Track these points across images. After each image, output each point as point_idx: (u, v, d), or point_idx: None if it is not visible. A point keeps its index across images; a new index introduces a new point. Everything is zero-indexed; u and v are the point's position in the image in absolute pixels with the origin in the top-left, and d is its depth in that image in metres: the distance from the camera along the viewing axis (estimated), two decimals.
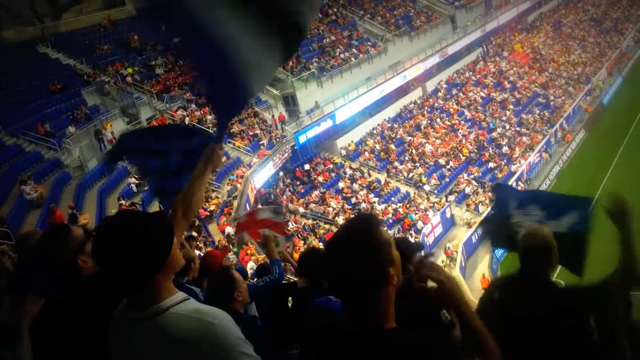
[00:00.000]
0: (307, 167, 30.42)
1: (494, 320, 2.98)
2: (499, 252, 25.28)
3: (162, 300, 1.79)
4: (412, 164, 32.19)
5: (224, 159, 24.57)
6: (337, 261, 1.61)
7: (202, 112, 26.89)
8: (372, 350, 1.57)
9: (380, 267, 1.58)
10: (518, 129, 37.62)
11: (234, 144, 26.73)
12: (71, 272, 2.37)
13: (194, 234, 12.22)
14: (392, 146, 33.32)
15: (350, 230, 1.67)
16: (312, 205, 27.25)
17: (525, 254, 2.85)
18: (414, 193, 29.93)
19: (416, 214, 27.89)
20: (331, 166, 31.08)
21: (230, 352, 1.74)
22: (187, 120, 25.41)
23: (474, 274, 24.34)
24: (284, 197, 27.61)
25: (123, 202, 18.04)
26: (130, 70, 27.51)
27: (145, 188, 20.21)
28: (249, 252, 17.76)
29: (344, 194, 28.87)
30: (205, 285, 4.36)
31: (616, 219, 2.73)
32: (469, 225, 27.70)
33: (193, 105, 26.88)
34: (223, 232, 19.23)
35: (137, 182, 20.11)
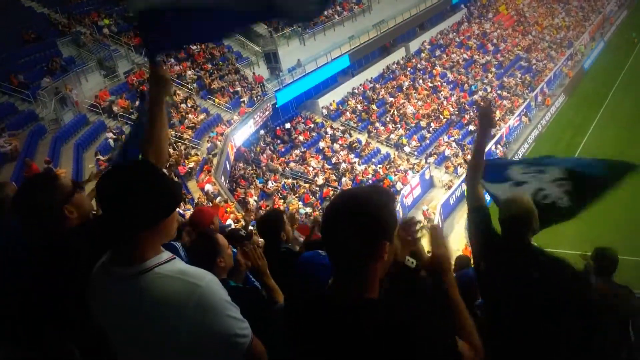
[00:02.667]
0: (287, 125, 30.19)
1: (485, 289, 3.02)
2: None
3: (147, 258, 1.74)
4: (393, 125, 32.15)
5: (203, 116, 24.25)
6: (346, 210, 1.58)
7: (181, 66, 26.31)
8: (352, 320, 1.56)
9: (380, 236, 1.56)
10: (499, 92, 37.68)
11: (214, 101, 26.30)
12: (56, 220, 2.30)
13: None
14: (374, 107, 33.17)
15: (369, 191, 1.63)
16: (292, 164, 27.19)
17: (508, 222, 2.88)
18: (394, 154, 30.01)
19: (396, 175, 28.04)
20: (312, 125, 30.89)
21: (216, 314, 1.72)
22: None
23: (451, 235, 24.74)
24: (264, 155, 27.47)
25: (101, 157, 17.76)
26: (107, 21, 26.54)
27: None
28: (228, 209, 17.72)
29: (324, 154, 28.83)
30: (186, 240, 4.30)
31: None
32: (447, 187, 27.98)
33: (172, 60, 26.23)
34: (202, 189, 19.13)
35: (114, 137, 19.77)
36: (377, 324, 1.53)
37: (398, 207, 24.09)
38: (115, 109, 21.76)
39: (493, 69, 40.16)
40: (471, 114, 34.35)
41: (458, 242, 23.35)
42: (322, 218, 1.66)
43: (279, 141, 29.36)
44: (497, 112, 34.79)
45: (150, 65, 2.69)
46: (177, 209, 1.86)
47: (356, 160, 28.68)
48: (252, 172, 25.76)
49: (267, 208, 22.24)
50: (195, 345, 1.71)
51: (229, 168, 23.53)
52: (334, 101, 32.72)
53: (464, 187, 24.39)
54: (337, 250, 1.60)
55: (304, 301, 1.80)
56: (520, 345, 2.86)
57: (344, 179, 26.78)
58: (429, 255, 1.98)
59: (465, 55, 40.92)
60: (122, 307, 1.74)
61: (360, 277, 1.59)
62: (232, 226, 13.13)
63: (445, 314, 1.88)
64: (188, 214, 14.14)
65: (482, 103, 34.00)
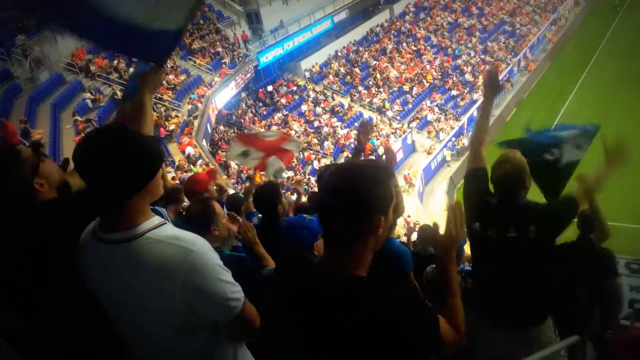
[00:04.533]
0: (270, 88, 29.83)
1: (480, 248, 3.06)
2: (456, 178, 26.02)
3: (138, 224, 1.73)
4: (376, 89, 31.96)
5: (183, 77, 23.81)
6: (345, 183, 1.55)
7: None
8: (335, 294, 1.56)
9: (376, 210, 1.54)
10: (483, 56, 37.54)
11: (194, 62, 25.77)
12: (26, 198, 2.22)
13: None
14: (357, 70, 32.86)
15: (369, 165, 1.61)
16: (274, 128, 26.99)
17: (501, 180, 2.90)
18: (377, 118, 29.94)
19: (378, 139, 28.05)
20: (294, 88, 30.57)
21: (209, 278, 1.72)
22: None
23: (431, 200, 25.02)
24: (246, 118, 27.20)
25: (78, 117, 17.40)
26: None
27: (101, 104, 19.53)
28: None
29: (306, 117, 28.63)
30: (176, 210, 4.24)
31: (611, 156, 2.85)
32: (429, 152, 28.12)
33: None
34: (183, 152, 18.93)
35: (92, 97, 19.34)
36: (360, 303, 1.53)
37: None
38: (92, 68, 21.20)
39: (477, 33, 39.89)
40: (454, 79, 34.25)
41: (438, 207, 23.67)
42: (317, 194, 1.64)
43: (260, 104, 29.05)
44: (480, 77, 34.76)
45: (156, 68, 2.67)
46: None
47: (338, 124, 28.56)
48: (233, 135, 25.54)
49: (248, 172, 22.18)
50: (188, 309, 1.72)
51: (210, 131, 23.26)
52: (316, 64, 32.32)
53: (445, 152, 24.63)
54: (332, 225, 1.58)
55: (295, 271, 1.80)
56: (511, 302, 2.93)
57: (326, 143, 26.72)
58: (443, 234, 1.94)
59: (449, 19, 40.54)
60: (114, 274, 1.73)
61: (353, 251, 1.58)
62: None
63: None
64: (170, 176, 14.03)
65: (489, 66, 33.96)
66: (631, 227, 15.88)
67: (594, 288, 4.09)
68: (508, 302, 2.93)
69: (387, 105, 30.77)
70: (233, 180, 20.23)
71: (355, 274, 1.59)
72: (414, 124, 30.07)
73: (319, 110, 29.16)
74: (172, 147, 19.56)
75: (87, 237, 1.82)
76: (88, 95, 19.37)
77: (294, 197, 5.37)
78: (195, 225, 2.76)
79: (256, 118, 27.46)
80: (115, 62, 22.20)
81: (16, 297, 2.06)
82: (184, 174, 16.30)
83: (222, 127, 25.82)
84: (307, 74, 31.64)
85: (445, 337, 1.65)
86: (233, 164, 22.18)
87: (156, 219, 1.78)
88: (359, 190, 1.52)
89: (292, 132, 26.81)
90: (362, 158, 2.79)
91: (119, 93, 20.60)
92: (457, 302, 1.84)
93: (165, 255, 1.67)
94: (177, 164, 17.57)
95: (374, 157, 25.74)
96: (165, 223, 1.79)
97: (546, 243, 2.84)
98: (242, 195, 5.66)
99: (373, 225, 1.54)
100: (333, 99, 30.43)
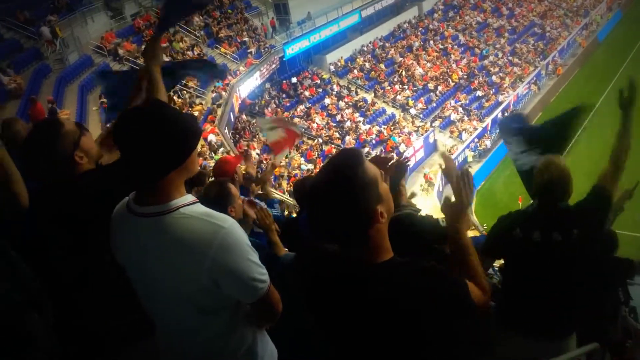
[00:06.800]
0: (294, 80, 29.85)
1: (523, 257, 3.04)
2: (477, 180, 25.76)
3: (172, 199, 1.76)
4: (401, 85, 31.77)
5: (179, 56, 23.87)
6: (320, 207, 1.56)
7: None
8: (365, 286, 1.57)
9: (366, 208, 1.52)
10: (510, 58, 37.05)
11: (220, 50, 25.89)
12: (66, 168, 2.28)
13: None
14: (382, 66, 32.69)
15: (331, 173, 1.56)
16: (296, 120, 27.01)
17: (542, 186, 2.87)
18: (400, 115, 29.78)
19: (400, 136, 27.91)
20: (319, 81, 30.53)
21: (238, 256, 1.74)
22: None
23: (451, 199, 24.78)
24: (269, 109, 27.26)
25: (104, 100, 17.60)
26: None
27: None
28: None
29: (329, 111, 28.60)
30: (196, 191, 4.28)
31: (624, 104, 2.92)
32: (451, 152, 27.88)
33: None
34: (206, 139, 19.06)
35: None
36: (389, 285, 1.54)
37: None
38: (120, 51, 21.43)
39: (506, 34, 39.34)
40: (480, 79, 33.87)
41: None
42: (308, 205, 1.65)
43: (284, 95, 29.09)
44: (507, 79, 34.31)
45: (155, 37, 2.82)
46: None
47: (361, 119, 28.48)
48: (256, 124, 25.63)
49: (269, 161, 22.26)
50: (214, 287, 1.74)
51: (232, 119, 23.38)
52: (342, 58, 32.21)
53: (467, 153, 24.41)
54: (331, 233, 1.60)
55: (317, 261, 1.81)
56: (543, 314, 2.92)
57: (347, 138, 26.67)
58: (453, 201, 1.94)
59: (478, 18, 40.05)
60: (145, 245, 1.76)
61: (363, 244, 1.59)
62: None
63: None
64: None
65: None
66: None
67: (619, 295, 4.05)
68: (540, 314, 2.91)
69: (411, 102, 30.56)
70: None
71: (378, 259, 1.60)
72: (436, 123, 29.84)
73: (342, 104, 29.09)
74: None
75: (121, 210, 1.86)
76: None
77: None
78: (212, 206, 2.80)
79: (279, 109, 27.51)
80: (143, 46, 22.39)
81: (52, 264, 2.12)
82: (205, 161, 16.42)
83: (244, 117, 25.93)
84: (332, 68, 31.56)
85: (476, 300, 1.66)
86: (254, 153, 22.28)
87: (189, 197, 1.81)
88: (345, 195, 1.50)
89: (314, 125, 26.82)
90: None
91: None
92: (475, 260, 1.84)
93: (197, 230, 1.71)
94: (198, 150, 17.68)
95: (394, 155, 25.61)
96: (198, 202, 1.82)
97: (589, 245, 2.83)
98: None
99: (373, 217, 1.54)
100: (357, 93, 30.32)
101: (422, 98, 31.38)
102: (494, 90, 33.33)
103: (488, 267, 4.80)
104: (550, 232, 2.83)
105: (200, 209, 1.79)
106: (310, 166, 23.74)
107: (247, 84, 24.98)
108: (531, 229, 2.89)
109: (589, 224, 2.82)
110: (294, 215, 3.83)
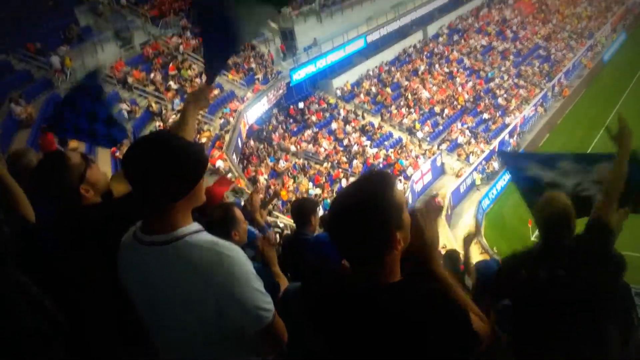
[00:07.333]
0: (301, 105, 30.08)
1: (531, 298, 3.00)
2: (485, 202, 25.65)
3: (179, 227, 1.78)
4: (407, 109, 31.91)
5: (217, 91, 24.18)
6: (343, 220, 1.57)
7: (197, 40, 26.14)
8: (376, 306, 1.57)
9: (386, 231, 1.54)
10: (516, 80, 37.20)
11: (228, 77, 26.19)
12: (73, 202, 2.31)
13: None
14: (388, 90, 32.90)
15: (361, 188, 1.60)
16: (303, 144, 27.15)
17: (545, 224, 2.86)
18: (407, 139, 29.85)
19: (407, 160, 27.93)
20: (325, 106, 30.75)
21: (243, 285, 1.74)
22: (181, 48, 24.75)
23: (459, 222, 24.73)
24: (276, 134, 27.42)
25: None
26: None
27: (136, 116, 19.97)
28: (239, 186, 17.78)
29: (336, 135, 28.72)
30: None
31: (617, 137, 2.90)
32: (458, 175, 27.85)
33: (188, 33, 26.10)
34: (214, 165, 19.17)
35: (128, 108, 19.80)
36: (405, 304, 1.55)
37: (407, 193, 24.04)
38: (130, 80, 21.75)
39: (511, 57, 39.58)
40: (486, 101, 33.97)
41: (465, 230, 23.32)
42: (327, 221, 1.66)
43: (291, 120, 29.29)
44: (513, 101, 34.41)
45: (207, 83, 2.88)
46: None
47: (368, 143, 28.57)
48: (263, 150, 25.77)
49: (276, 187, 22.31)
50: (219, 315, 1.75)
51: (240, 145, 23.53)
52: (348, 82, 32.48)
53: (475, 176, 24.38)
54: (349, 250, 1.61)
55: (325, 283, 1.81)
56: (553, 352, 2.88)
57: (354, 162, 26.72)
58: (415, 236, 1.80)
59: (483, 42, 40.36)
60: (151, 275, 1.77)
61: (378, 267, 1.59)
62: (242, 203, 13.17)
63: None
64: None
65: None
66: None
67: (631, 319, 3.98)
68: (553, 353, 2.88)
69: (418, 126, 30.66)
70: (262, 196, 20.33)
71: (389, 281, 1.60)
72: (444, 146, 29.87)
73: (349, 128, 29.23)
74: None
75: (128, 239, 1.87)
76: (124, 106, 19.82)
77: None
78: (216, 230, 2.81)
79: (286, 134, 27.68)
80: (152, 75, 22.73)
81: (55, 293, 2.13)
82: None
83: (252, 142, 26.09)
84: (339, 92, 31.80)
85: (479, 331, 1.66)
86: (262, 179, 22.36)
87: (196, 225, 1.83)
88: (367, 214, 1.52)
89: (322, 150, 26.92)
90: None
91: (154, 105, 21.05)
92: (461, 293, 1.81)
93: (203, 259, 1.71)
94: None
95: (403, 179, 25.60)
96: (204, 230, 1.83)
97: (596, 278, 2.79)
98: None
99: (391, 242, 1.56)
100: (363, 117, 30.47)
101: (428, 121, 31.48)
102: (500, 112, 33.39)
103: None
104: (556, 270, 2.80)
105: (206, 237, 1.80)
106: (318, 191, 23.76)
107: (254, 110, 25.19)
108: (536, 269, 2.87)
109: (593, 258, 2.78)
110: (289, 232, 3.83)
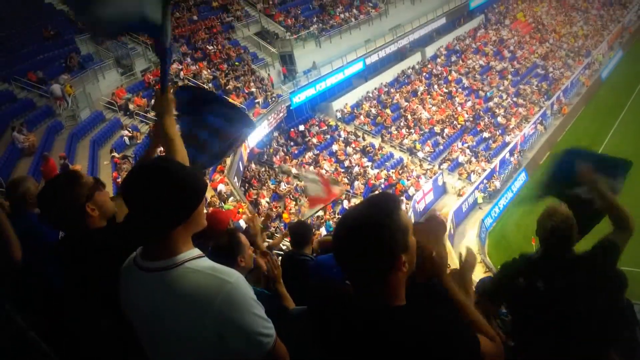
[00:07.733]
0: (301, 128, 30.23)
1: (528, 306, 2.99)
2: (488, 221, 25.57)
3: (178, 253, 1.77)
4: (407, 129, 32.04)
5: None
6: (348, 241, 1.57)
7: (197, 66, 26.44)
8: (378, 329, 1.57)
9: (392, 253, 1.54)
10: (515, 99, 37.42)
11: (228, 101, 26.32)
12: (78, 218, 2.32)
13: None
14: (388, 111, 33.09)
15: (367, 210, 1.60)
16: (305, 166, 27.20)
17: (547, 235, 2.86)
18: (408, 159, 29.91)
19: (408, 180, 27.95)
20: (326, 128, 30.90)
21: (243, 311, 1.73)
22: (182, 74, 25.00)
23: (462, 241, 24.62)
24: (277, 157, 27.50)
25: (115, 154, 17.89)
26: None
27: (138, 142, 20.06)
28: (240, 210, 17.77)
29: (337, 157, 28.80)
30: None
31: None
32: (460, 194, 27.83)
33: (188, 59, 26.39)
34: (215, 189, 19.20)
35: (129, 134, 19.91)
36: (408, 330, 1.54)
37: (409, 212, 23.98)
38: (131, 106, 21.93)
39: (509, 76, 39.89)
40: (486, 120, 34.12)
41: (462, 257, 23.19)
42: (332, 242, 1.66)
43: (292, 143, 29.40)
44: (513, 120, 34.56)
45: (159, 93, 2.89)
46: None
47: (369, 164, 28.63)
48: (265, 173, 25.82)
49: (269, 211, 22.28)
50: (219, 342, 1.73)
51: (241, 168, 23.58)
52: (347, 104, 32.69)
53: (477, 194, 24.27)
54: (354, 272, 1.62)
55: (329, 305, 1.80)
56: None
57: (356, 183, 26.74)
58: (425, 256, 1.91)
59: (481, 62, 40.71)
60: (151, 299, 1.77)
61: (382, 289, 1.59)
62: (244, 226, 13.14)
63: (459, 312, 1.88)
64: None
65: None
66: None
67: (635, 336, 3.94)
68: None
69: (418, 146, 30.76)
70: (262, 218, 20.31)
71: (392, 305, 1.60)
72: (445, 166, 29.92)
73: (349, 150, 29.32)
74: None
75: (128, 265, 1.87)
76: (126, 132, 19.95)
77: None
78: (222, 256, 2.80)
79: (287, 157, 27.75)
80: (153, 101, 22.89)
81: (51, 319, 2.13)
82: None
83: (253, 166, 26.15)
84: (339, 114, 32.00)
85: (488, 349, 1.65)
86: (264, 202, 22.34)
87: (196, 251, 1.82)
88: (373, 238, 1.52)
89: (323, 171, 26.96)
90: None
91: None
92: (475, 314, 1.83)
93: (202, 285, 1.71)
94: (209, 200, 17.78)
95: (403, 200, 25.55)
96: (204, 256, 1.83)
97: (596, 292, 2.79)
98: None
99: (396, 264, 1.56)
100: (364, 139, 30.60)
101: (429, 141, 31.59)
102: (500, 131, 33.51)
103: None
104: (554, 280, 2.79)
105: (206, 263, 1.79)
106: (320, 212, 23.70)
107: (255, 133, 25.28)
108: (535, 278, 2.86)
109: (596, 272, 2.79)
110: (288, 251, 3.82)
